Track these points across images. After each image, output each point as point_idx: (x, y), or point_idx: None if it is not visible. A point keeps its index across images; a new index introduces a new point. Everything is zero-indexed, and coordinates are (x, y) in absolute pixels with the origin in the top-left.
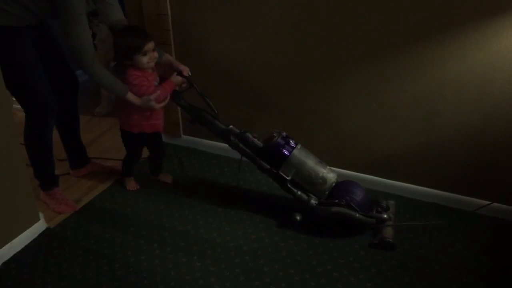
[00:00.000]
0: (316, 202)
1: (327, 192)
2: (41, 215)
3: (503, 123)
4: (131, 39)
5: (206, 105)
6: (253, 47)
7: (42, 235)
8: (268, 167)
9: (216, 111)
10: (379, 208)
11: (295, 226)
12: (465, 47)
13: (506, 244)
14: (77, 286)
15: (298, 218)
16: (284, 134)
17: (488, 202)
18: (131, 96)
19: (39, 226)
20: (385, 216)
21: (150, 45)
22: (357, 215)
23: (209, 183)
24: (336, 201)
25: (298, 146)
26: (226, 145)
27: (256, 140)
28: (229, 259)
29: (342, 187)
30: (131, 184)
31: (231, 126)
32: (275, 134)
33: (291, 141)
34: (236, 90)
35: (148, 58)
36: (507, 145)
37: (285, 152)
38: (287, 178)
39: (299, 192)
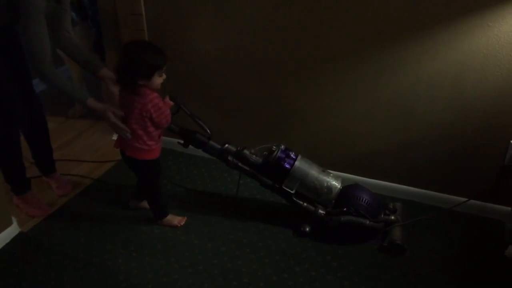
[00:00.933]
0: (324, 212)
1: (333, 200)
2: (13, 219)
3: (475, 120)
4: (153, 57)
5: (198, 127)
6: (229, 47)
7: (16, 239)
8: (271, 183)
9: (209, 132)
10: (386, 211)
11: (306, 237)
12: (438, 46)
13: (482, 240)
14: None
15: (307, 229)
16: (283, 147)
17: (464, 199)
18: (92, 102)
19: (12, 231)
20: (393, 218)
21: (165, 65)
22: (368, 222)
23: (187, 185)
24: (345, 209)
25: (299, 157)
26: None
27: (254, 156)
28: (207, 260)
29: (348, 193)
30: (177, 219)
31: (226, 145)
32: (274, 148)
33: (291, 153)
34: (212, 91)
35: (162, 79)
36: (479, 142)
37: (287, 166)
38: (292, 191)
39: (305, 204)
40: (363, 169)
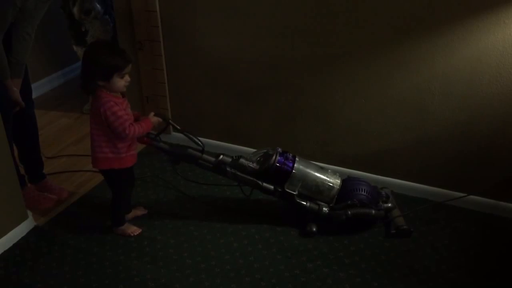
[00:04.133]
0: (327, 209)
1: (335, 196)
2: (29, 213)
3: (490, 118)
4: (114, 58)
5: (190, 141)
6: (243, 44)
7: (31, 233)
8: (272, 188)
9: (202, 144)
10: (383, 198)
11: (314, 236)
12: (453, 43)
13: (495, 239)
14: (67, 285)
15: (314, 229)
16: (279, 150)
17: (477, 197)
18: (9, 82)
19: (28, 224)
20: (390, 205)
21: (129, 67)
22: (373, 211)
23: (199, 181)
24: (349, 202)
25: (297, 159)
26: (217, 142)
27: (251, 163)
28: (220, 256)
29: (347, 186)
30: (132, 229)
31: (221, 156)
32: (271, 152)
33: (288, 155)
34: (225, 87)
35: (124, 81)
36: (494, 140)
37: (288, 168)
38: (294, 193)
39: (308, 204)
40: (375, 167)
